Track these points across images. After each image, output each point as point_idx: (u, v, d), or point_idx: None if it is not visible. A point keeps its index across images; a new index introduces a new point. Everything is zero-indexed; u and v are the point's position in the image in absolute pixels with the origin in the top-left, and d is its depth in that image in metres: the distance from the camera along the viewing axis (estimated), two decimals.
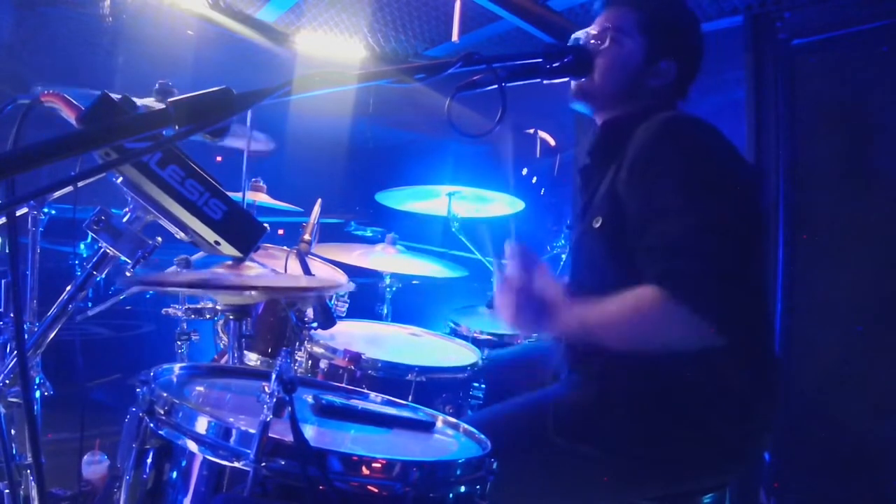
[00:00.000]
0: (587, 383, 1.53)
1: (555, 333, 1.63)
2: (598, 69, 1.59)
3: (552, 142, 3.54)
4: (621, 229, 1.45)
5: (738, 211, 1.38)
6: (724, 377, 1.43)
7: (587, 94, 1.63)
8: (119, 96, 1.14)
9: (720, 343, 1.29)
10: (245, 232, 1.23)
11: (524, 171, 3.68)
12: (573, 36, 1.68)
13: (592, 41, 1.61)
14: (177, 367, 1.36)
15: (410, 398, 1.79)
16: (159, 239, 1.31)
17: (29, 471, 1.39)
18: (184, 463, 1.07)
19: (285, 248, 2.19)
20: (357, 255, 2.68)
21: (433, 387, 1.89)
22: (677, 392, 1.43)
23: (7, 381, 1.33)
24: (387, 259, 2.74)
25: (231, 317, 1.78)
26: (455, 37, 3.13)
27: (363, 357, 1.88)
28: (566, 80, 1.64)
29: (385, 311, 2.84)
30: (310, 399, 1.33)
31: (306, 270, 1.80)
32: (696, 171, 1.39)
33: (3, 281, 1.44)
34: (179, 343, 2.19)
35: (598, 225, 1.52)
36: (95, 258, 1.32)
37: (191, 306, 2.10)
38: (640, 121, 1.49)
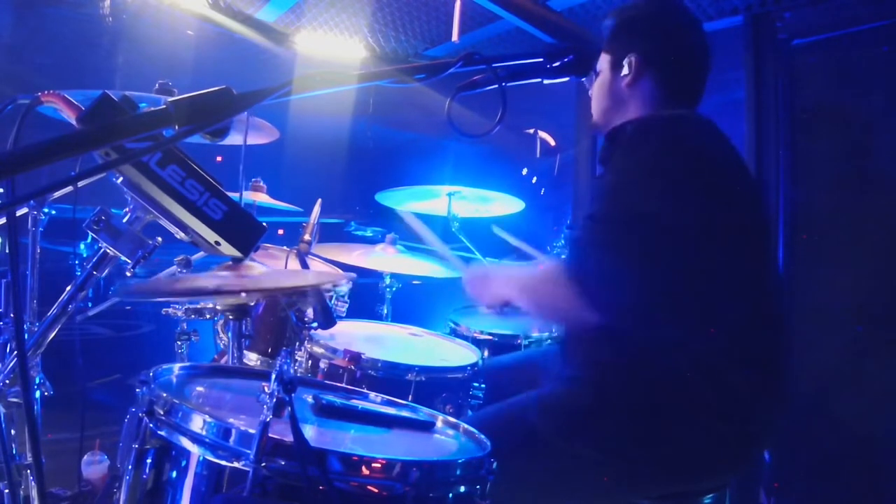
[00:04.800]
0: (586, 384, 1.53)
1: (498, 293, 1.76)
2: (592, 104, 1.79)
3: (552, 142, 3.54)
4: None
5: (676, 210, 1.40)
6: (722, 378, 1.42)
7: (595, 127, 1.81)
8: (119, 96, 1.14)
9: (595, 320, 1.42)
10: (245, 232, 1.23)
11: (524, 171, 3.68)
12: None
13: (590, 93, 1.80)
14: (177, 367, 1.36)
15: (410, 398, 1.79)
16: (159, 239, 1.31)
17: (29, 471, 1.39)
18: (183, 463, 1.07)
19: (285, 248, 2.19)
20: (357, 255, 2.68)
21: (433, 387, 1.89)
22: (675, 393, 1.43)
23: (7, 381, 1.33)
24: (387, 259, 2.74)
25: (231, 317, 1.77)
26: (455, 37, 3.13)
27: (363, 357, 1.88)
28: (567, 80, 1.64)
29: (385, 311, 2.84)
30: (310, 399, 1.33)
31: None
32: (634, 170, 1.46)
33: (3, 281, 1.44)
34: (179, 343, 2.19)
35: None
36: (95, 258, 1.32)
37: (191, 306, 2.09)
38: (629, 119, 1.61)
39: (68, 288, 1.33)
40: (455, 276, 2.73)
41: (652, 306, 1.42)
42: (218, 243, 1.22)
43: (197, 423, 1.06)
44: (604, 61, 1.71)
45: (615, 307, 1.41)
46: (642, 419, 1.44)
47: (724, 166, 1.55)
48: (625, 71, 1.66)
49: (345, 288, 2.27)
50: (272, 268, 1.91)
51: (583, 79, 1.62)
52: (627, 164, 1.49)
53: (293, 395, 0.98)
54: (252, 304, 2.02)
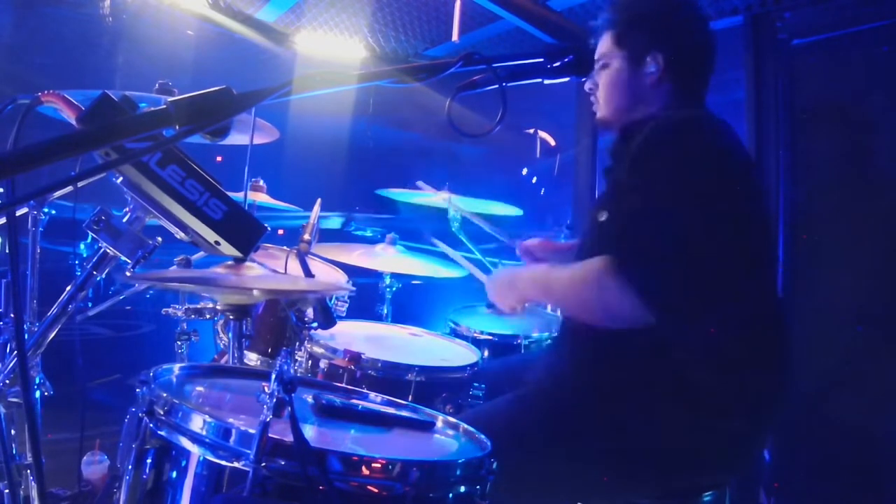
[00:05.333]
0: (587, 382, 1.52)
1: (524, 295, 1.72)
2: (600, 100, 1.70)
3: (552, 142, 3.54)
4: None
5: (714, 206, 1.41)
6: (726, 376, 1.42)
7: (605, 123, 1.73)
8: (119, 96, 1.14)
9: (659, 324, 1.36)
10: (245, 232, 1.23)
11: (524, 171, 3.69)
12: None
13: (591, 86, 1.73)
14: (177, 367, 1.36)
15: (410, 398, 1.79)
16: (159, 239, 1.31)
17: (29, 471, 1.39)
18: (183, 463, 1.07)
19: (285, 248, 2.19)
20: (357, 255, 2.68)
21: (433, 387, 1.89)
22: (679, 391, 1.43)
23: (7, 381, 1.33)
24: (387, 259, 2.74)
25: (231, 317, 1.77)
26: (455, 37, 3.13)
27: (363, 357, 1.88)
28: (567, 80, 1.64)
29: (385, 311, 2.84)
30: (310, 399, 1.33)
31: (306, 270, 1.80)
32: (671, 165, 1.44)
33: (3, 281, 1.44)
34: (179, 343, 2.19)
35: (602, 219, 1.56)
36: (95, 258, 1.32)
37: (191, 306, 2.10)
38: (649, 118, 1.55)
39: (68, 288, 1.33)
40: (455, 276, 2.74)
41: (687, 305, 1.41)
42: (218, 243, 1.22)
43: (197, 423, 1.06)
44: (616, 56, 1.65)
45: (668, 305, 1.38)
46: (643, 418, 1.44)
47: (745, 166, 1.59)
48: (650, 69, 1.62)
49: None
50: (272, 268, 1.91)
51: (583, 79, 1.62)
52: (665, 161, 1.45)
53: (293, 395, 0.98)
54: (253, 304, 2.02)
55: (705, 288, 1.38)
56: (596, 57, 1.67)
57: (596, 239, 1.62)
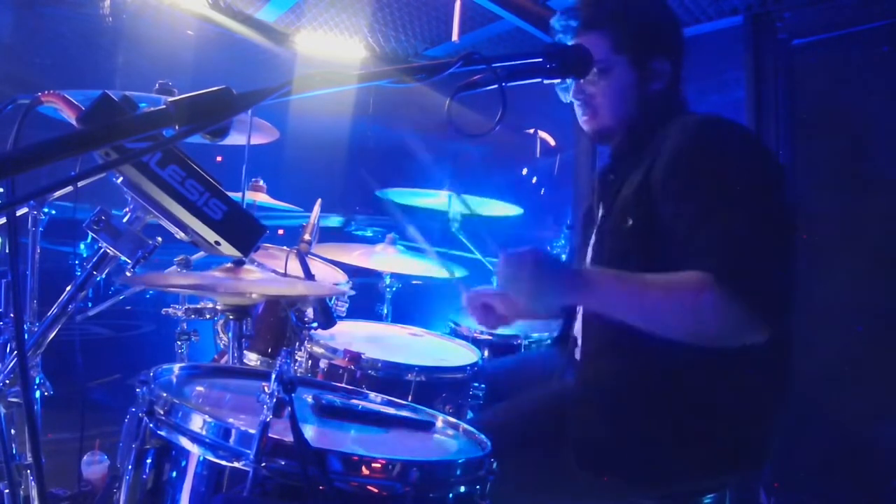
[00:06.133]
0: (597, 389, 1.50)
1: (579, 301, 1.50)
2: (600, 109, 1.61)
3: (552, 142, 3.54)
4: (653, 228, 1.43)
5: (781, 208, 1.39)
6: (735, 378, 1.41)
7: (606, 135, 1.65)
8: (119, 96, 1.14)
9: (761, 340, 1.28)
10: (245, 232, 1.23)
11: (524, 171, 3.69)
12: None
13: (580, 95, 1.63)
14: (177, 367, 1.37)
15: (410, 398, 1.79)
16: (159, 239, 1.31)
17: (29, 471, 1.39)
18: (183, 463, 1.07)
19: (285, 248, 2.19)
20: (357, 255, 2.68)
21: (433, 387, 1.89)
22: (686, 395, 1.41)
23: (7, 381, 1.33)
24: (387, 259, 2.74)
25: (231, 317, 1.77)
26: (455, 37, 3.13)
27: (363, 357, 1.87)
28: (567, 80, 1.64)
29: (385, 311, 2.84)
30: (310, 399, 1.33)
31: (306, 271, 1.80)
32: (741, 170, 1.39)
33: (3, 281, 1.44)
34: (179, 343, 2.19)
35: (629, 224, 1.49)
36: (95, 258, 1.32)
37: (191, 306, 2.10)
38: (660, 121, 1.53)
39: (68, 288, 1.34)
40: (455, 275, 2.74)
41: None
42: (218, 243, 1.22)
43: (197, 423, 1.06)
44: (618, 62, 1.58)
45: (780, 317, 1.29)
46: (649, 421, 1.42)
47: (777, 163, 1.62)
48: (656, 75, 1.59)
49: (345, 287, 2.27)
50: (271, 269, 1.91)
51: (582, 80, 1.61)
52: (723, 166, 1.37)
53: (293, 395, 0.99)
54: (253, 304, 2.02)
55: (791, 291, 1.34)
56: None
57: (621, 246, 1.52)
